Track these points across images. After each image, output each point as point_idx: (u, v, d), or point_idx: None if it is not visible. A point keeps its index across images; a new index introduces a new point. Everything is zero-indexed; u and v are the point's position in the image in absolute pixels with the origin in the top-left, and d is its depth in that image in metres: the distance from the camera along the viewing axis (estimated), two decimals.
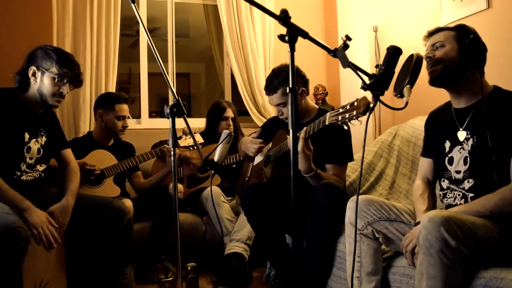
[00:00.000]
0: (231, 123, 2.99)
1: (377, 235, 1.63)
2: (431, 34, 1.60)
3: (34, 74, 1.91)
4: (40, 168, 2.00)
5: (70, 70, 1.95)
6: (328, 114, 1.74)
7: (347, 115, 1.58)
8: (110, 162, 2.50)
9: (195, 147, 2.56)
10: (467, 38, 1.50)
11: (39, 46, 1.96)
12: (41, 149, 1.99)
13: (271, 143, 2.29)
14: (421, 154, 1.77)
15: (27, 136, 1.93)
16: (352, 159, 2.19)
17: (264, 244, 2.17)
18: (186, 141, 2.55)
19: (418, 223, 1.47)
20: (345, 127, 1.63)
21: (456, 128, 1.55)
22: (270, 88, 2.15)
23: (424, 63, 1.52)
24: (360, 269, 1.63)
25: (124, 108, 2.62)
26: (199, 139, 2.59)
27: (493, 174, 1.41)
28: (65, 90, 1.96)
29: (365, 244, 1.64)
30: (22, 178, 1.91)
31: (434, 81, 1.55)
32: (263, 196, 2.08)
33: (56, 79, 1.91)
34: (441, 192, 1.61)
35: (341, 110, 1.64)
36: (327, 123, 1.74)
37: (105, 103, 2.60)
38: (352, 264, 1.62)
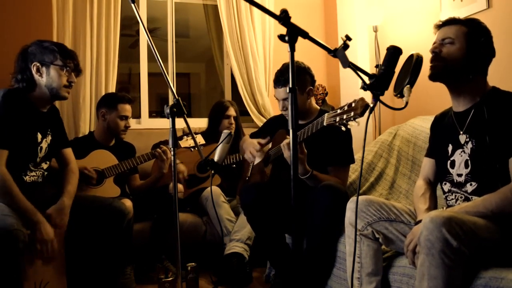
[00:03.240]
0: (233, 121, 2.99)
1: (377, 236, 1.62)
2: (443, 24, 1.56)
3: (38, 70, 1.91)
4: (45, 166, 2.01)
5: (72, 60, 1.98)
6: (326, 115, 1.74)
7: (344, 116, 1.58)
8: (111, 162, 2.50)
9: (196, 148, 2.55)
10: (478, 40, 1.48)
11: (30, 43, 1.96)
12: (47, 148, 2.00)
13: (271, 142, 2.29)
14: (425, 154, 1.77)
15: (39, 136, 1.94)
16: (353, 161, 2.18)
17: (264, 244, 2.17)
18: (187, 142, 2.55)
19: (419, 221, 1.47)
20: (343, 128, 1.63)
21: (457, 132, 1.55)
22: (280, 80, 2.12)
23: (427, 56, 1.51)
24: (361, 269, 1.63)
25: (127, 108, 2.62)
26: (200, 140, 2.59)
27: (494, 177, 1.40)
28: (73, 80, 1.99)
29: (365, 245, 1.63)
30: (25, 179, 1.91)
31: (433, 77, 1.53)
32: (262, 196, 2.07)
33: (64, 70, 1.93)
34: (443, 195, 1.61)
35: (338, 111, 1.64)
36: (325, 124, 1.74)
37: (108, 102, 2.61)
38: (352, 265, 1.62)
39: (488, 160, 1.42)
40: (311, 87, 2.17)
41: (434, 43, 1.56)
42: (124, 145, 2.72)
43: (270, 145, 2.29)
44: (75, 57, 2.00)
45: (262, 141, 2.23)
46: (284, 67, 2.15)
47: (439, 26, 1.58)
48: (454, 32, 1.51)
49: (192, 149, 2.60)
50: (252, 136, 2.53)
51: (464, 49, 1.48)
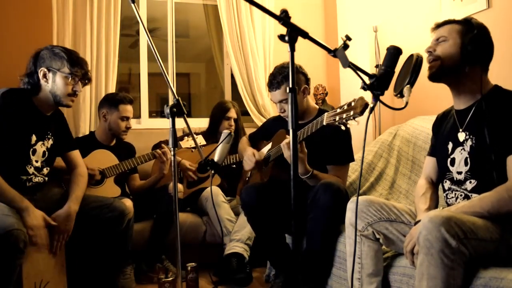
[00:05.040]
0: (233, 123, 2.98)
1: (377, 236, 1.62)
2: (438, 26, 1.58)
3: (45, 76, 1.90)
4: (46, 171, 2.00)
5: (80, 69, 1.96)
6: (325, 114, 1.74)
7: (344, 115, 1.59)
8: (111, 162, 2.50)
9: (196, 149, 2.55)
10: (470, 34, 1.49)
11: (43, 47, 1.96)
12: (46, 152, 1.98)
13: (271, 142, 2.29)
14: (427, 154, 1.77)
15: (34, 138, 1.92)
16: (352, 160, 2.19)
17: (264, 244, 2.17)
18: (188, 143, 2.54)
19: (418, 221, 1.47)
20: (343, 128, 1.63)
21: (457, 130, 1.55)
22: (274, 83, 2.13)
23: (425, 56, 1.52)
24: (361, 270, 1.63)
25: (128, 109, 2.62)
26: (201, 140, 2.59)
27: (493, 174, 1.40)
28: (78, 88, 1.97)
29: (365, 246, 1.63)
30: (27, 184, 1.90)
31: (432, 77, 1.54)
32: (263, 196, 2.07)
33: (70, 79, 1.92)
34: (443, 194, 1.61)
35: (338, 111, 1.64)
36: (324, 123, 1.74)
37: (109, 103, 2.61)
38: (352, 265, 1.62)
39: (488, 158, 1.42)
40: (306, 86, 2.17)
41: (430, 43, 1.57)
42: (124, 145, 2.72)
43: (270, 146, 2.29)
44: (84, 66, 1.98)
45: (257, 153, 2.23)
46: (276, 70, 2.16)
47: (434, 29, 1.60)
48: (447, 31, 1.53)
49: (193, 150, 2.60)
50: (251, 137, 2.53)
51: (458, 44, 1.49)
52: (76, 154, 2.17)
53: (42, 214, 1.84)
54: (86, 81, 2.02)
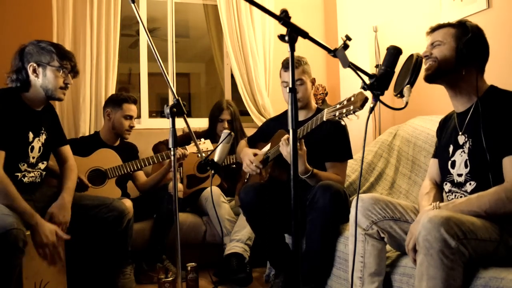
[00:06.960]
0: (226, 125, 2.96)
1: (382, 235, 1.62)
2: (432, 30, 1.60)
3: (35, 71, 1.89)
4: (42, 166, 2.00)
5: (69, 61, 1.96)
6: (325, 110, 1.75)
7: (344, 110, 1.60)
8: (115, 163, 2.49)
9: (201, 153, 2.55)
10: (465, 37, 1.49)
11: (28, 43, 1.94)
12: (42, 147, 1.99)
13: (270, 143, 2.29)
14: (432, 156, 1.77)
15: (31, 135, 1.92)
16: (351, 156, 2.20)
17: (264, 244, 2.17)
18: (199, 146, 2.53)
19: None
20: (343, 122, 1.64)
21: (457, 132, 1.56)
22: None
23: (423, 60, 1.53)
24: (363, 269, 1.63)
25: (132, 108, 2.63)
26: (209, 146, 2.58)
27: (491, 176, 1.40)
28: (69, 81, 1.98)
29: (369, 245, 1.63)
30: (24, 180, 1.90)
31: (428, 78, 1.55)
32: (262, 196, 2.07)
33: (60, 72, 1.92)
34: (445, 195, 1.62)
35: (338, 106, 1.66)
36: (324, 119, 1.75)
37: (113, 102, 2.62)
38: (353, 264, 1.62)
39: (485, 159, 1.42)
40: (313, 77, 2.21)
41: (426, 48, 1.58)
42: (127, 146, 2.72)
43: (268, 146, 2.29)
44: (72, 58, 1.98)
45: (259, 152, 2.23)
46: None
47: (429, 33, 1.61)
48: (442, 35, 1.54)
49: (198, 156, 2.59)
50: (249, 140, 2.53)
51: (453, 48, 1.50)
52: (67, 148, 2.17)
53: (55, 229, 1.82)
54: (76, 74, 2.03)
